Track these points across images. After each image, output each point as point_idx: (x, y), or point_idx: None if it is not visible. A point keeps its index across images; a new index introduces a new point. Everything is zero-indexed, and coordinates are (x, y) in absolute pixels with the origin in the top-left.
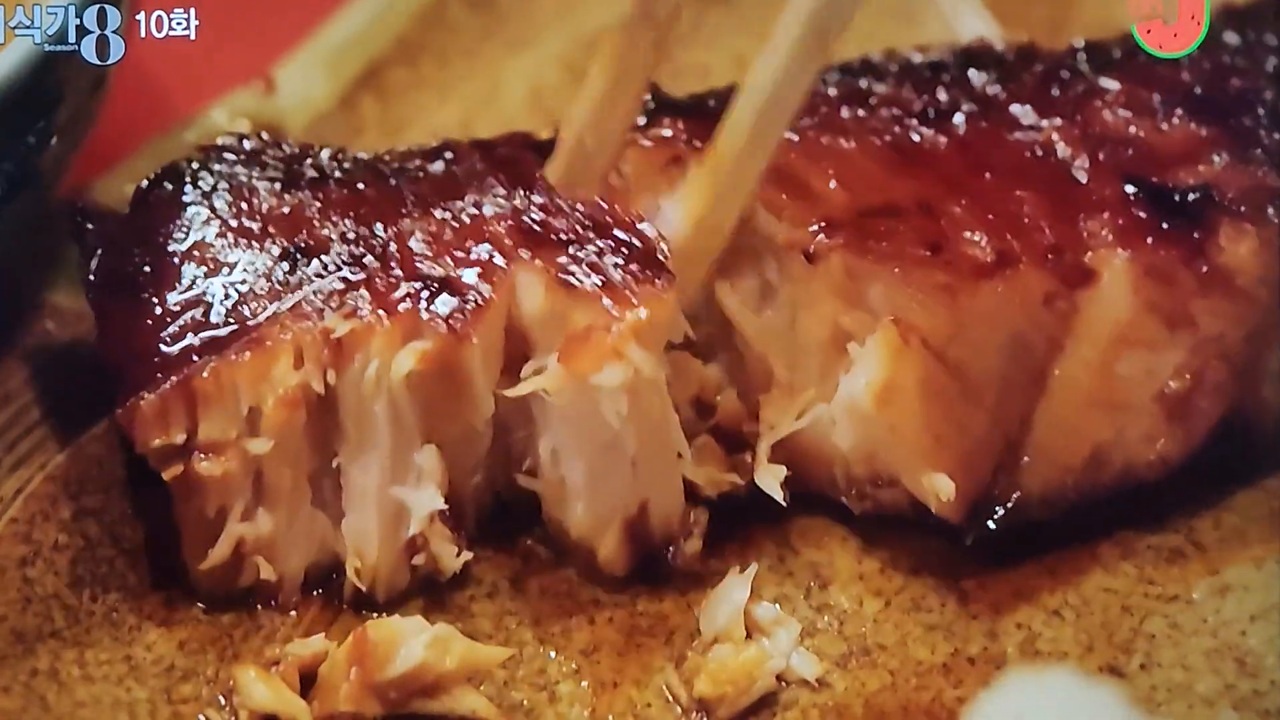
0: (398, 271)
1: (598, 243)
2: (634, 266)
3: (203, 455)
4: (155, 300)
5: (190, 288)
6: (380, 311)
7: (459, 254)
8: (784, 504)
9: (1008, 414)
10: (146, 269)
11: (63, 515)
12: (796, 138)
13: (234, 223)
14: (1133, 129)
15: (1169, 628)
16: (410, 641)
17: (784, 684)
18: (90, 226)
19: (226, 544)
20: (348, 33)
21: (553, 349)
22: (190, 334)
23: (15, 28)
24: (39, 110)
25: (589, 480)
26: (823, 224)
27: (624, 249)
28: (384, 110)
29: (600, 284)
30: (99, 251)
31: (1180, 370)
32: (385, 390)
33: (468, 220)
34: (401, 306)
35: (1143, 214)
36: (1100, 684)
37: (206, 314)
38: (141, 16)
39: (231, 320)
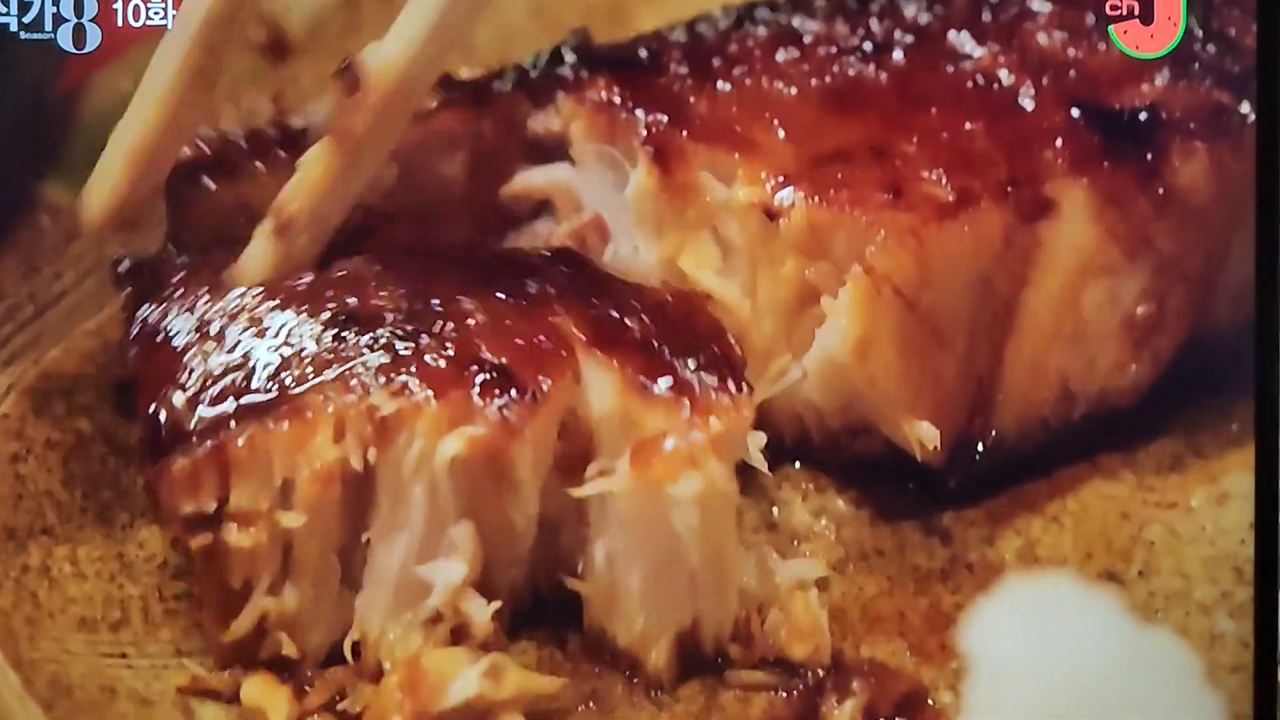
0: (452, 351)
1: (674, 344)
2: (714, 373)
3: (233, 525)
4: (197, 360)
5: (234, 349)
6: (429, 392)
7: (519, 341)
8: (767, 472)
9: (979, 354)
10: (190, 327)
11: (56, 412)
12: (730, 86)
13: (286, 282)
14: (1070, 51)
15: (1168, 535)
16: (465, 671)
17: None
18: (132, 286)
19: (249, 618)
20: None
21: (619, 451)
22: (230, 398)
23: None
24: None
25: (645, 590)
26: (779, 178)
27: (702, 352)
28: (386, 9)
29: (677, 389)
30: (141, 307)
31: (1144, 295)
32: (426, 472)
33: (532, 306)
34: (453, 389)
35: (1094, 138)
36: (1098, 590)
37: (248, 378)
38: (119, 5)
39: (273, 386)
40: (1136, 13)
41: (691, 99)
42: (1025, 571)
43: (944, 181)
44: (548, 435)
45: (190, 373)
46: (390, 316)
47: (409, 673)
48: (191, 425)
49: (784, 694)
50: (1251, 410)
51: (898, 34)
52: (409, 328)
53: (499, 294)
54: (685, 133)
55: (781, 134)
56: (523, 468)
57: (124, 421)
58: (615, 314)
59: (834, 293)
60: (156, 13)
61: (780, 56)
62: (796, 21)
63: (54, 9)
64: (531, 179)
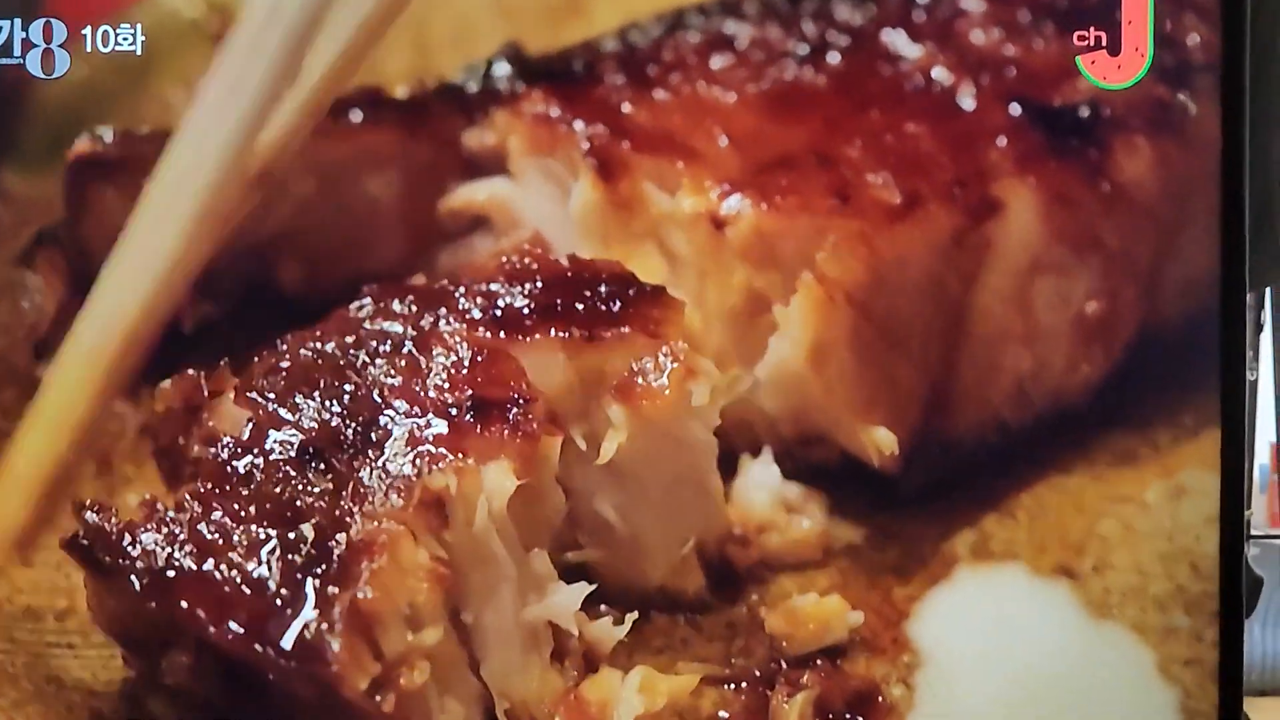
0: (417, 413)
1: (572, 293)
2: (630, 295)
3: (402, 671)
4: (238, 576)
5: (258, 544)
6: (455, 454)
7: (456, 371)
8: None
9: (932, 357)
10: (190, 555)
11: (4, 400)
12: (669, 95)
13: (234, 464)
14: (1007, 49)
15: (1122, 530)
16: (626, 693)
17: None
18: (105, 558)
19: None
20: None
21: (587, 411)
22: (304, 578)
23: None
24: None
25: (664, 521)
26: (725, 186)
27: (599, 288)
28: None
29: (618, 323)
30: (131, 571)
31: (1094, 292)
32: (493, 523)
33: (423, 341)
34: (465, 439)
35: (1037, 137)
36: (1052, 585)
37: (300, 551)
38: (88, 31)
39: (322, 544)
40: (1104, 43)
41: (631, 109)
42: (979, 565)
43: (891, 185)
44: (549, 428)
45: (240, 589)
46: (338, 422)
47: (574, 712)
48: (310, 617)
49: (733, 687)
50: (1206, 404)
51: (832, 35)
52: (363, 418)
53: (384, 352)
54: (627, 143)
55: (724, 141)
56: (549, 468)
57: None
58: (497, 303)
59: (785, 301)
60: (125, 39)
61: (716, 62)
62: (729, 26)
63: (23, 34)
64: (470, 194)
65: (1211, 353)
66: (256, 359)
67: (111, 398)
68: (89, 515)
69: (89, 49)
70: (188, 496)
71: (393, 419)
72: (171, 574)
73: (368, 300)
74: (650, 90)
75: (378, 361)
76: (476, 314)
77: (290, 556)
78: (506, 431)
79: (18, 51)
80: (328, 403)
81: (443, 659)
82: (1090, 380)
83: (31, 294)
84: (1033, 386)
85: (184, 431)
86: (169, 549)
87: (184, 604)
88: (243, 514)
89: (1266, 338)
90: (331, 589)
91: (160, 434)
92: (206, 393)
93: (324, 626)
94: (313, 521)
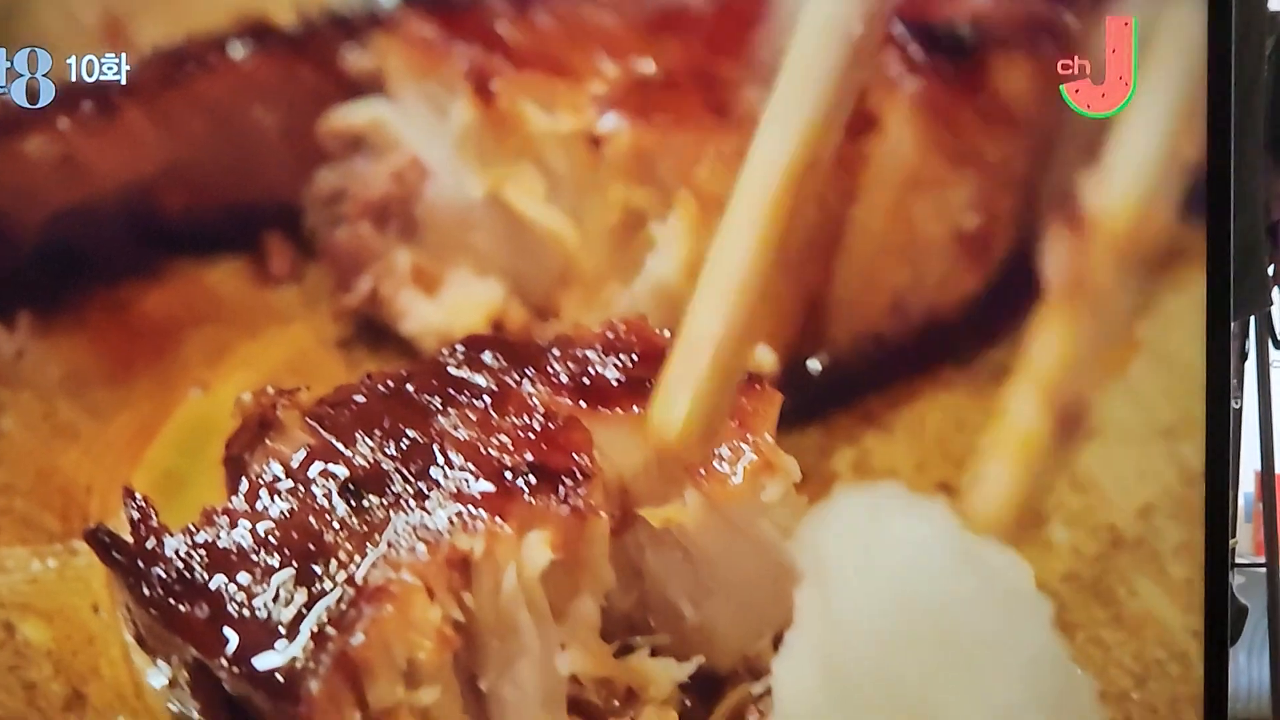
0: (469, 471)
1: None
2: None
3: None
4: (243, 599)
5: (272, 572)
6: (495, 516)
7: (522, 434)
8: None
9: (810, 272)
10: (208, 573)
11: None
12: (550, 16)
13: (276, 487)
14: None
15: None
16: None
17: None
18: (118, 555)
19: None
20: None
21: (665, 495)
22: (307, 614)
23: None
24: None
25: (742, 608)
26: (602, 104)
27: None
28: None
29: None
30: (144, 574)
31: (971, 206)
32: (523, 594)
33: (496, 400)
34: (509, 504)
35: (917, 54)
36: (932, 500)
37: (311, 589)
38: (73, 61)
39: (336, 584)
40: (1088, 72)
41: (511, 29)
42: (858, 482)
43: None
44: (606, 506)
45: (245, 607)
46: (389, 465)
47: None
48: (297, 653)
49: None
50: None
51: None
52: (415, 466)
53: (460, 403)
54: (506, 63)
55: (603, 60)
56: (597, 547)
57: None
58: (582, 370)
59: (662, 217)
60: (110, 68)
61: None
62: None
63: (7, 64)
64: (347, 116)
65: None
66: (336, 389)
67: (779, 249)
68: (129, 508)
69: (74, 78)
70: (219, 512)
71: (444, 472)
72: (179, 587)
73: (460, 348)
74: (529, 11)
75: (450, 411)
76: (564, 379)
77: (300, 590)
78: (554, 502)
79: (2, 82)
80: (385, 444)
81: None
82: (968, 294)
83: None
84: (910, 300)
85: (249, 447)
86: (187, 560)
87: (183, 618)
88: (269, 539)
89: (1250, 366)
90: (329, 629)
91: (232, 444)
92: (279, 413)
93: (309, 665)
94: (333, 559)
